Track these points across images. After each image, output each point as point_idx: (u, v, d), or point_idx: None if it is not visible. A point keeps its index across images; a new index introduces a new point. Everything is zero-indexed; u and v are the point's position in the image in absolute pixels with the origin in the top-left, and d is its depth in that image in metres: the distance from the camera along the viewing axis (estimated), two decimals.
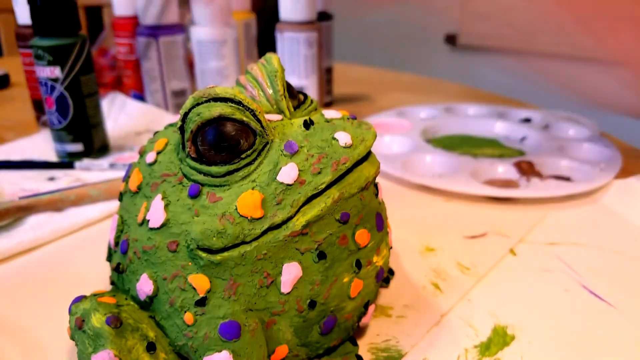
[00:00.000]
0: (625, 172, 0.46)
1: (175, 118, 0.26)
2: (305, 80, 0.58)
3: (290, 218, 0.21)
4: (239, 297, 0.22)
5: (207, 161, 0.22)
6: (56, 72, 0.47)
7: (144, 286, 0.23)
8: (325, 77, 0.67)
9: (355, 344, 0.26)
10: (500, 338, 0.27)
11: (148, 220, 0.23)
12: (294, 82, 0.59)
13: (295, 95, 0.26)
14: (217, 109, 0.21)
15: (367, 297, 0.25)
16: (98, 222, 0.40)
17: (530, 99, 0.76)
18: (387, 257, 0.26)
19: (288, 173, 0.21)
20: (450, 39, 1.70)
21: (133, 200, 0.24)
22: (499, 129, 0.57)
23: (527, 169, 0.45)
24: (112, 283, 0.26)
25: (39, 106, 0.61)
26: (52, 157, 0.52)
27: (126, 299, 0.24)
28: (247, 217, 0.21)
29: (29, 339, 0.28)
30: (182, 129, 0.22)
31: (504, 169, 0.45)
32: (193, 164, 0.22)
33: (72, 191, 0.41)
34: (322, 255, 0.22)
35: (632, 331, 0.28)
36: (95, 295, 0.24)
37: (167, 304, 0.22)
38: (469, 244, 0.36)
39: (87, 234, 0.38)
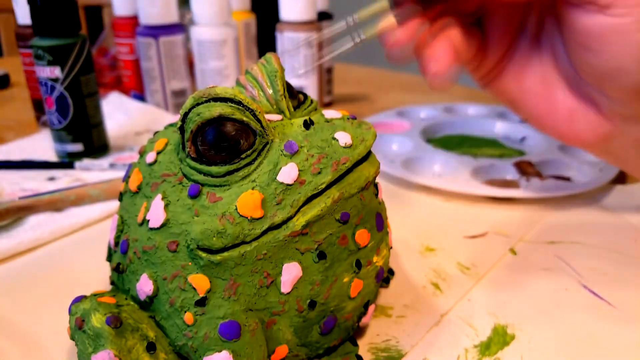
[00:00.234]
0: (624, 173, 0.46)
1: (175, 118, 0.26)
2: (305, 80, 0.58)
3: (290, 218, 0.21)
4: (239, 297, 0.22)
5: (207, 161, 0.22)
6: (56, 72, 0.47)
7: (144, 286, 0.23)
8: (325, 77, 0.67)
9: (355, 344, 0.26)
10: (500, 337, 0.27)
11: (148, 220, 0.23)
12: (294, 82, 0.59)
13: (295, 95, 0.26)
14: (217, 109, 0.21)
15: (367, 297, 0.25)
16: (98, 222, 0.40)
17: None
18: (387, 257, 0.26)
19: (288, 173, 0.21)
20: None
21: (133, 200, 0.24)
22: (499, 129, 0.57)
23: (527, 169, 0.45)
24: (112, 283, 0.26)
25: (39, 106, 0.61)
26: (52, 157, 0.52)
27: (126, 299, 0.24)
28: (247, 217, 0.21)
29: (29, 339, 0.28)
30: (182, 129, 0.22)
31: (504, 169, 0.45)
32: (193, 164, 0.22)
33: (72, 191, 0.41)
34: (322, 255, 0.22)
35: (632, 331, 0.28)
36: (95, 295, 0.24)
37: (167, 304, 0.22)
38: (469, 243, 0.36)
39: (87, 234, 0.38)
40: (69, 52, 0.47)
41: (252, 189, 0.21)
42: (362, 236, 0.23)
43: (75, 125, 0.49)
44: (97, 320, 0.22)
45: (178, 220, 0.22)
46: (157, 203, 0.23)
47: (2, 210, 0.38)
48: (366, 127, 0.23)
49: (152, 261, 0.23)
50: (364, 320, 0.26)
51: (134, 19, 0.64)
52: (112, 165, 0.48)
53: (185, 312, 0.22)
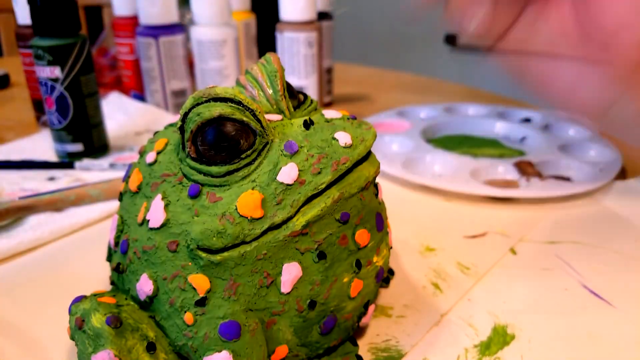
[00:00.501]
0: (625, 173, 0.46)
1: (175, 118, 0.26)
2: (305, 80, 0.58)
3: (290, 218, 0.21)
4: (239, 297, 0.22)
5: (207, 161, 0.22)
6: (56, 72, 0.47)
7: (144, 286, 0.23)
8: (325, 77, 0.67)
9: (355, 344, 0.26)
10: (500, 337, 0.27)
11: (148, 220, 0.23)
12: (294, 82, 0.59)
13: (295, 95, 0.26)
14: (217, 109, 0.21)
15: (367, 297, 0.25)
16: (98, 222, 0.40)
17: (530, 99, 0.76)
18: (387, 257, 0.26)
19: (288, 173, 0.21)
20: (450, 39, 1.71)
21: (133, 200, 0.24)
22: (499, 129, 0.57)
23: (527, 169, 0.45)
24: (112, 283, 0.26)
25: (39, 106, 0.61)
26: (52, 157, 0.52)
27: (126, 298, 0.24)
28: (247, 217, 0.21)
29: (29, 339, 0.28)
30: (182, 129, 0.22)
31: (504, 169, 0.45)
32: (193, 164, 0.22)
33: (72, 191, 0.41)
34: (322, 255, 0.22)
35: (632, 331, 0.28)
36: (95, 295, 0.24)
37: (167, 304, 0.22)
38: (469, 243, 0.36)
39: (87, 234, 0.38)
40: (69, 52, 0.47)
41: (252, 189, 0.21)
42: (362, 236, 0.23)
43: (75, 125, 0.49)
44: (97, 321, 0.22)
45: (178, 220, 0.22)
46: (157, 203, 0.23)
47: (2, 210, 0.38)
48: (366, 127, 0.23)
49: (152, 261, 0.23)
50: (364, 320, 0.26)
51: (134, 19, 0.64)
52: (112, 165, 0.48)
53: (185, 312, 0.22)
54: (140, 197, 0.24)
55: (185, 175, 0.23)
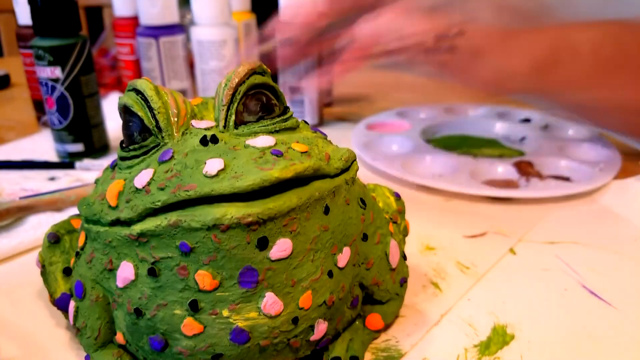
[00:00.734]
0: (624, 173, 0.46)
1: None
2: (305, 81, 0.58)
3: (132, 220, 0.21)
4: (92, 267, 0.24)
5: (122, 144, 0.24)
6: (57, 72, 0.47)
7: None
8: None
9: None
10: (500, 337, 0.27)
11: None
12: (294, 82, 0.59)
13: (265, 110, 0.24)
14: (124, 99, 0.23)
15: (213, 347, 0.22)
16: None
17: (530, 99, 0.76)
18: (260, 325, 0.22)
19: (140, 177, 0.22)
20: None
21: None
22: (498, 129, 0.57)
23: (527, 169, 0.45)
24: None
25: (39, 106, 0.61)
26: (53, 157, 0.52)
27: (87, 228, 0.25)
28: (108, 202, 0.22)
29: (28, 339, 0.28)
30: None
31: (504, 169, 0.45)
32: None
33: (73, 191, 0.41)
34: (152, 272, 0.21)
35: (631, 331, 0.28)
36: (72, 216, 0.29)
37: None
38: (469, 243, 0.36)
39: None
40: (70, 52, 0.47)
41: (124, 179, 0.23)
42: (206, 279, 0.21)
43: (75, 125, 0.49)
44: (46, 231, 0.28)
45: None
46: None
47: (3, 210, 0.38)
48: (269, 168, 0.20)
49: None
50: None
51: (134, 20, 0.64)
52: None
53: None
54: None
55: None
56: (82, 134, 0.50)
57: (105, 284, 0.23)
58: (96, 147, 0.51)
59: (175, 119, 0.23)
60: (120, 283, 0.22)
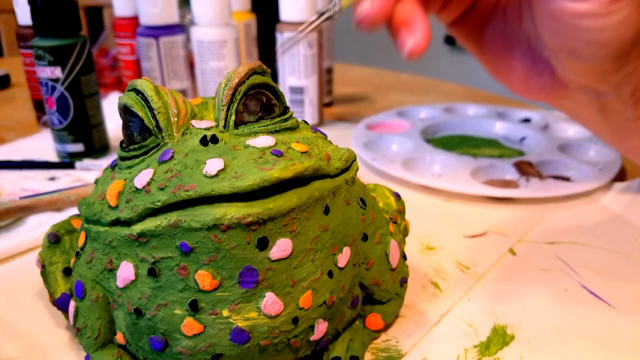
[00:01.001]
0: (624, 173, 0.46)
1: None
2: (305, 81, 0.58)
3: (132, 220, 0.21)
4: (92, 267, 0.24)
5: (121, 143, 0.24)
6: (57, 72, 0.47)
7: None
8: (325, 77, 0.67)
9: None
10: (499, 338, 0.27)
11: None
12: (294, 82, 0.59)
13: (265, 110, 0.24)
14: (124, 99, 0.23)
15: (213, 347, 0.22)
16: None
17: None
18: (259, 324, 0.22)
19: (140, 177, 0.22)
20: (450, 39, 1.71)
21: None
22: (498, 129, 0.57)
23: (527, 169, 0.45)
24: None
25: (39, 106, 0.61)
26: (53, 157, 0.52)
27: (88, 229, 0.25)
28: (108, 202, 0.22)
29: (28, 339, 0.28)
30: None
31: (504, 169, 0.45)
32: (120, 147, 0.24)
33: (73, 191, 0.41)
34: (152, 272, 0.21)
35: (631, 331, 0.28)
36: (72, 216, 0.29)
37: None
38: (469, 243, 0.36)
39: None
40: (70, 52, 0.47)
41: (124, 179, 0.22)
42: (206, 279, 0.21)
43: (75, 125, 0.49)
44: (47, 231, 0.28)
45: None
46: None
47: (3, 210, 0.38)
48: (269, 168, 0.20)
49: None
50: None
51: (134, 20, 0.64)
52: None
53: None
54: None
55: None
56: (82, 134, 0.50)
57: (105, 284, 0.23)
58: (96, 147, 0.51)
59: (175, 119, 0.23)
60: (120, 283, 0.22)
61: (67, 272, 0.27)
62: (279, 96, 0.24)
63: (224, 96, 0.23)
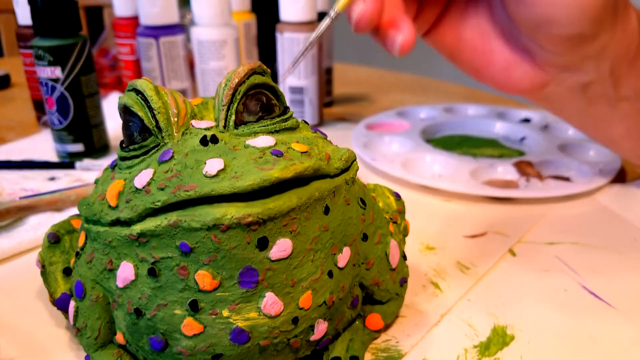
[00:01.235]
0: (623, 173, 0.46)
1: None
2: (305, 81, 0.58)
3: (132, 220, 0.21)
4: (92, 267, 0.24)
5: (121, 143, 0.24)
6: (57, 72, 0.47)
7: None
8: (325, 77, 0.67)
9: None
10: (499, 338, 0.27)
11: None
12: (294, 82, 0.59)
13: (265, 110, 0.24)
14: (124, 99, 0.23)
15: (213, 347, 0.22)
16: None
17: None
18: (259, 325, 0.22)
19: (140, 177, 0.22)
20: None
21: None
22: (498, 129, 0.57)
23: (527, 169, 0.45)
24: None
25: (39, 106, 0.61)
26: (53, 157, 0.52)
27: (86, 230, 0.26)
28: (108, 202, 0.22)
29: (28, 339, 0.28)
30: None
31: (504, 169, 0.45)
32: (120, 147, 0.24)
33: (73, 191, 0.41)
34: (152, 272, 0.21)
35: (631, 331, 0.28)
36: (72, 216, 0.29)
37: None
38: (469, 243, 0.36)
39: None
40: (70, 52, 0.47)
41: (124, 179, 0.22)
42: (206, 279, 0.21)
43: (75, 125, 0.49)
44: (47, 231, 0.28)
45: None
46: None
47: (3, 210, 0.38)
48: (269, 167, 0.20)
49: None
50: None
51: (134, 20, 0.64)
52: None
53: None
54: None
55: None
56: (82, 134, 0.50)
57: (105, 284, 0.23)
58: (96, 147, 0.51)
59: (175, 119, 0.23)
60: (120, 283, 0.22)
61: (67, 272, 0.27)
62: (279, 96, 0.24)
63: (224, 96, 0.23)
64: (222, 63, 0.58)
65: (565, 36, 0.28)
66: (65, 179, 0.47)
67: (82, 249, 0.25)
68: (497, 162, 0.46)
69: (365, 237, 0.25)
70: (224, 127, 0.23)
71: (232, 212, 0.20)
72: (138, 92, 0.23)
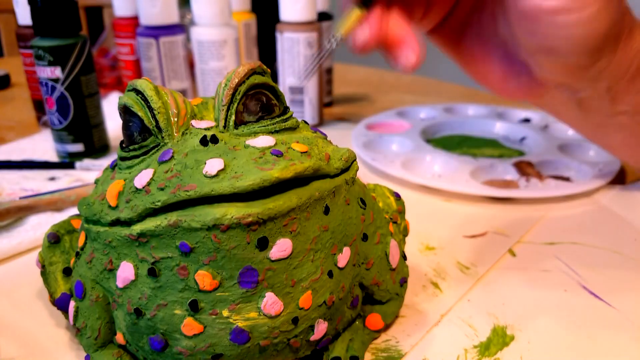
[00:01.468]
0: (623, 173, 0.46)
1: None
2: (305, 81, 0.58)
3: (132, 220, 0.21)
4: (92, 267, 0.24)
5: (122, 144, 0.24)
6: (57, 72, 0.47)
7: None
8: (325, 77, 0.67)
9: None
10: (499, 338, 0.27)
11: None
12: (294, 82, 0.59)
13: (265, 110, 0.24)
14: (124, 99, 0.23)
15: (213, 347, 0.22)
16: None
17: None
18: (259, 325, 0.22)
19: (140, 177, 0.22)
20: None
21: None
22: (498, 129, 0.57)
23: (527, 169, 0.45)
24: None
25: (39, 106, 0.61)
26: (53, 157, 0.52)
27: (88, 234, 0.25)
28: (108, 202, 0.22)
29: (28, 339, 0.28)
30: None
31: (504, 169, 0.45)
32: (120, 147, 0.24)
33: (73, 191, 0.41)
34: (152, 272, 0.21)
35: (631, 331, 0.28)
36: (72, 216, 0.29)
37: None
38: (469, 243, 0.36)
39: None
40: (70, 52, 0.47)
41: (124, 179, 0.22)
42: (206, 279, 0.21)
43: (75, 125, 0.49)
44: (47, 231, 0.28)
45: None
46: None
47: (3, 210, 0.38)
48: (270, 167, 0.20)
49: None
50: None
51: (134, 20, 0.64)
52: None
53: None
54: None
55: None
56: (82, 134, 0.50)
57: (105, 284, 0.23)
58: (96, 147, 0.51)
59: (175, 119, 0.23)
60: (120, 283, 0.22)
61: (67, 272, 0.27)
62: (279, 96, 0.24)
63: (224, 96, 0.23)
64: (222, 63, 0.58)
65: (564, 63, 0.28)
66: (65, 179, 0.47)
67: (82, 249, 0.25)
68: (497, 162, 0.46)
69: (365, 237, 0.25)
70: (224, 127, 0.23)
71: (232, 212, 0.20)
72: (138, 92, 0.23)
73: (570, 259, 0.34)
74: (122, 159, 0.24)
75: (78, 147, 0.50)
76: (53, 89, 0.48)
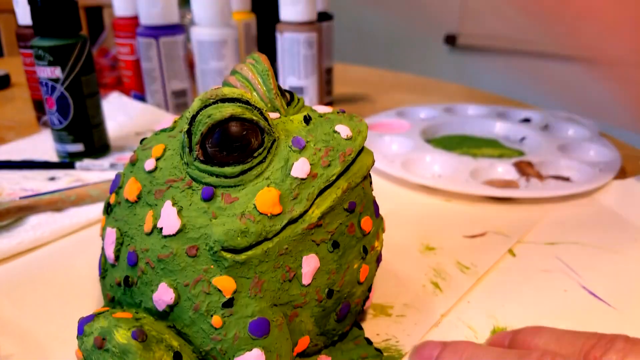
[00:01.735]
0: (624, 173, 0.46)
1: (169, 121, 0.26)
2: (305, 81, 0.58)
3: (306, 211, 0.22)
4: (265, 294, 0.22)
5: (219, 163, 0.22)
6: (57, 72, 0.47)
7: (164, 295, 0.22)
8: (325, 77, 0.67)
9: (361, 328, 0.27)
10: None
11: (160, 228, 0.22)
12: (294, 82, 0.59)
13: (283, 93, 0.26)
14: (228, 110, 0.21)
15: (370, 280, 0.26)
16: (98, 222, 0.40)
17: (529, 99, 0.76)
18: (382, 242, 0.27)
19: (301, 168, 0.22)
20: (450, 39, 1.71)
21: (132, 210, 0.24)
22: (498, 129, 0.57)
23: (527, 169, 0.45)
24: (112, 300, 0.25)
25: (39, 106, 0.61)
26: (53, 157, 0.52)
27: (137, 312, 0.23)
28: (267, 214, 0.21)
29: (29, 339, 0.28)
30: (189, 132, 0.22)
31: (504, 169, 0.45)
32: (203, 167, 0.22)
33: (73, 191, 0.41)
34: (335, 245, 0.23)
35: (631, 331, 0.28)
36: (101, 312, 0.23)
37: (191, 310, 0.22)
38: (469, 243, 0.36)
39: (88, 234, 0.38)
40: (70, 52, 0.47)
41: (268, 186, 0.22)
42: (367, 223, 0.24)
43: (75, 125, 0.49)
44: (122, 336, 0.21)
45: (195, 225, 0.22)
46: (168, 210, 0.22)
47: (3, 210, 0.38)
48: (358, 120, 0.24)
49: (169, 269, 0.22)
50: (367, 303, 0.27)
51: (134, 20, 0.64)
52: (112, 166, 0.48)
53: (212, 315, 0.21)
54: (141, 207, 0.23)
55: (194, 179, 0.22)
56: (82, 134, 0.50)
57: (285, 297, 0.23)
58: (96, 147, 0.51)
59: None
60: (307, 279, 0.23)
61: (178, 357, 0.22)
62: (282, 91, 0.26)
63: (271, 84, 0.25)
64: (222, 63, 0.58)
65: None
66: (65, 179, 0.47)
67: (235, 292, 0.22)
68: (497, 162, 0.46)
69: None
70: (284, 110, 0.25)
71: (370, 160, 0.24)
72: (232, 100, 0.22)
73: (570, 259, 0.34)
74: (242, 172, 0.22)
75: (78, 147, 0.50)
76: (53, 89, 0.48)
